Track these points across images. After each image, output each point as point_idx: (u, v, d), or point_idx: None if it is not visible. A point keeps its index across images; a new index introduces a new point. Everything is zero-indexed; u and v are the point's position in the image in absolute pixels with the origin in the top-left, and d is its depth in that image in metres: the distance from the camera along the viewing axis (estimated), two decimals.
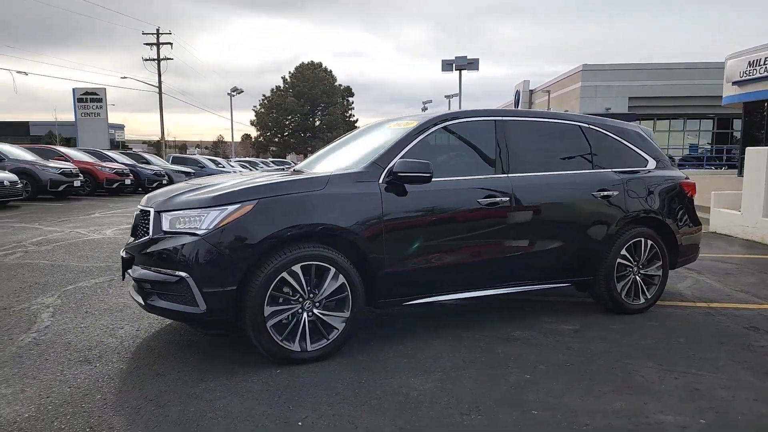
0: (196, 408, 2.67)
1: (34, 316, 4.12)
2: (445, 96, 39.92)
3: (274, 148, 58.88)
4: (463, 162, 3.97)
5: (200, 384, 2.95)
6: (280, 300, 3.15)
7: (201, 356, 3.37)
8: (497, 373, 3.17)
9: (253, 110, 58.31)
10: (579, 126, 4.35)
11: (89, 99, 30.30)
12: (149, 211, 3.33)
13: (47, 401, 2.72)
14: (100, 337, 3.68)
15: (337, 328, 3.30)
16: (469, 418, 2.63)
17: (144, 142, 70.59)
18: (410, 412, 2.68)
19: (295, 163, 6.27)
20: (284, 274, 3.12)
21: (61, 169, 13.84)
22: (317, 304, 3.25)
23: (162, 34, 32.30)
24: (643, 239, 4.34)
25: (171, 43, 32.37)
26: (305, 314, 3.22)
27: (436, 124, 3.80)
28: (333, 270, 3.25)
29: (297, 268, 3.15)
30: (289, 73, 56.98)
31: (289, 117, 54.31)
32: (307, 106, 55.02)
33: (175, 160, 23.36)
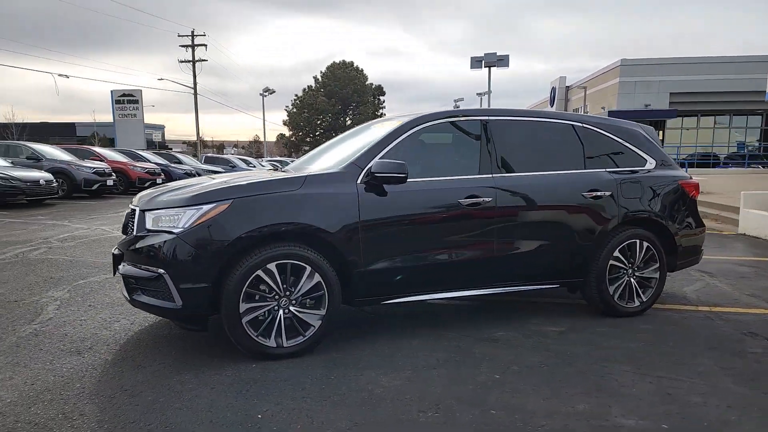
0: (166, 398, 2.80)
1: (41, 309, 4.36)
2: (477, 94, 39.52)
3: (306, 148, 59.71)
4: (448, 162, 3.98)
5: (176, 376, 3.08)
6: (256, 297, 3.25)
7: (184, 350, 3.51)
8: (467, 373, 3.18)
9: (286, 110, 59.27)
10: (572, 125, 4.29)
11: (126, 100, 31.51)
12: (136, 210, 3.49)
13: (30, 388, 2.90)
14: (96, 329, 3.87)
15: (313, 326, 3.38)
16: (426, 416, 2.66)
17: (184, 142, 72.59)
18: (369, 408, 2.73)
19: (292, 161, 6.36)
20: (259, 272, 3.22)
21: (95, 168, 14.45)
22: (293, 301, 3.34)
23: (197, 36, 33.31)
24: (638, 241, 4.25)
25: (205, 45, 33.31)
26: (281, 311, 3.31)
27: (418, 125, 3.83)
28: (309, 269, 3.32)
29: (272, 266, 3.24)
30: (321, 72, 57.72)
31: (321, 116, 54.94)
32: (339, 106, 55.49)
33: (207, 160, 23.99)
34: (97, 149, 18.12)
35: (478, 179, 3.82)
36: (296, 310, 3.35)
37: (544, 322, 4.15)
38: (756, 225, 9.14)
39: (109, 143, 34.14)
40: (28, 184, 11.83)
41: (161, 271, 3.15)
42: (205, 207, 3.18)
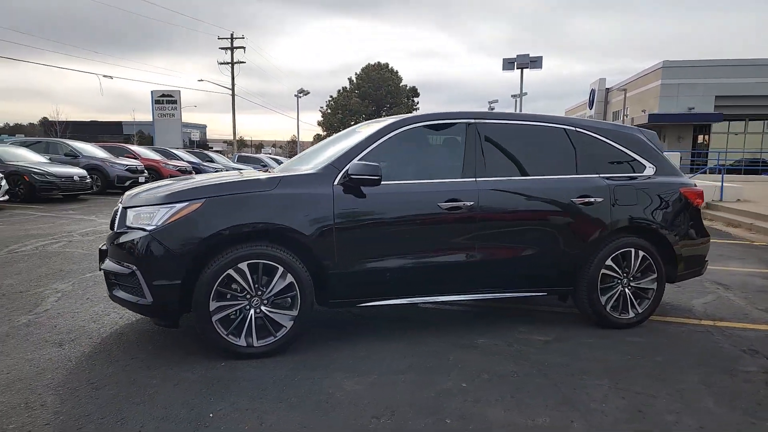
0: (127, 393, 2.85)
1: (41, 300, 4.53)
2: (512, 96, 38.91)
3: None
4: (430, 165, 3.92)
5: (145, 371, 3.14)
6: (227, 296, 3.28)
7: (162, 346, 3.57)
8: (434, 380, 3.12)
9: (320, 111, 59.91)
10: (564, 129, 4.16)
11: (165, 101, 32.56)
12: (119, 207, 3.58)
13: (5, 377, 3.01)
14: (85, 322, 3.99)
15: (284, 326, 3.39)
16: (378, 422, 2.62)
17: (224, 142, 74.38)
18: (323, 412, 2.71)
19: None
20: (230, 271, 3.25)
21: (128, 165, 14.95)
22: (265, 301, 3.35)
23: (236, 38, 34.08)
24: (633, 249, 4.08)
25: (244, 47, 34.03)
26: (252, 311, 3.33)
27: (400, 128, 3.78)
28: (281, 269, 3.33)
29: (243, 265, 3.27)
30: (356, 74, 58.00)
31: (354, 118, 55.23)
32: (372, 107, 55.69)
33: (240, 159, 24.46)
34: (132, 147, 18.77)
35: (460, 183, 3.75)
36: (268, 310, 3.36)
37: (531, 331, 4.04)
38: None
39: (150, 141, 35.33)
40: (63, 179, 12.34)
41: (134, 267, 3.22)
42: (178, 205, 3.24)
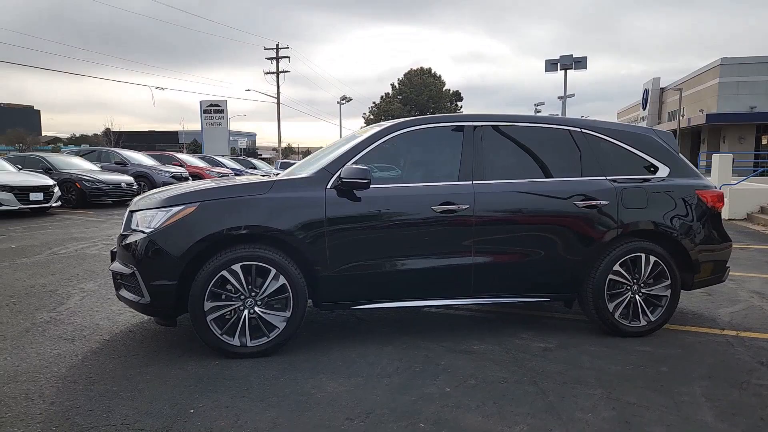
0: (119, 388, 2.99)
1: (66, 298, 4.80)
2: (558, 97, 37.99)
3: None
4: (427, 168, 3.91)
5: (142, 368, 3.28)
6: (222, 296, 3.38)
7: (166, 344, 3.71)
8: (418, 384, 3.10)
9: (363, 117, 60.48)
10: (568, 130, 4.04)
11: (213, 110, 33.85)
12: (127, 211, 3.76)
13: (14, 369, 3.21)
14: (100, 320, 4.21)
15: (277, 327, 3.45)
16: (351, 423, 2.63)
17: (273, 149, 76.34)
18: (299, 412, 2.75)
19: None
20: (224, 273, 3.35)
21: (173, 173, 15.60)
22: (258, 302, 3.43)
23: (281, 48, 35.01)
24: (643, 255, 3.91)
25: (288, 57, 34.92)
26: (246, 311, 3.42)
27: (395, 131, 3.79)
28: (273, 271, 3.40)
29: (237, 267, 3.36)
30: (398, 80, 58.20)
31: None
32: (415, 112, 55.77)
33: (283, 165, 25.01)
34: (179, 155, 19.58)
35: (455, 186, 3.71)
36: (261, 311, 3.44)
37: (533, 337, 3.94)
38: None
39: (200, 150, 36.72)
40: (111, 186, 13.02)
41: (134, 267, 3.38)
42: (174, 209, 3.37)
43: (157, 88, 31.89)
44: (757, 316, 4.58)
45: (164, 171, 15.58)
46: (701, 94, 38.09)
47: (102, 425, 2.57)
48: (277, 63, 35.05)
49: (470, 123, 3.89)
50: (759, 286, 5.64)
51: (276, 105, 35.73)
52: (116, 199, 13.42)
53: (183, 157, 19.04)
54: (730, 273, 4.35)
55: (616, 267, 3.89)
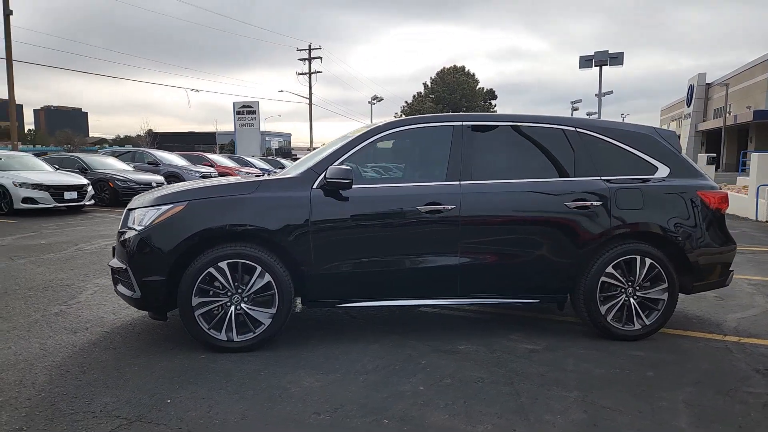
0: (107, 378, 3.13)
1: (79, 293, 5.03)
2: (596, 95, 37.12)
3: None
4: (414, 168, 3.93)
5: (132, 359, 3.43)
6: (210, 292, 3.49)
7: (157, 337, 3.85)
8: (393, 381, 3.13)
9: (395, 117, 60.62)
10: (562, 130, 3.98)
11: (245, 111, 34.59)
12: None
13: (15, 357, 3.41)
14: (105, 313, 4.40)
15: (263, 323, 3.54)
16: (317, 418, 2.69)
17: (308, 149, 77.30)
18: (270, 405, 2.82)
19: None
20: (211, 270, 3.46)
21: (203, 172, 16.04)
22: (245, 299, 3.53)
23: (313, 49, 35.54)
24: (638, 257, 3.82)
25: (321, 58, 35.44)
26: (233, 307, 3.52)
27: (383, 131, 3.83)
28: (259, 268, 3.49)
29: (223, 264, 3.47)
30: (430, 78, 57.97)
31: None
32: (447, 111, 55.53)
33: None
34: (210, 155, 20.11)
35: (442, 186, 3.72)
36: (248, 308, 3.53)
37: (523, 338, 3.91)
38: None
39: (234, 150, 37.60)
40: (142, 185, 13.47)
41: (126, 263, 3.53)
42: (164, 207, 3.50)
43: (192, 90, 32.91)
44: (767, 323, 4.41)
45: (194, 171, 16.04)
46: (749, 89, 36.57)
47: (82, 412, 2.71)
48: (310, 64, 35.60)
49: (459, 123, 3.89)
50: None
51: (313, 105, 36.31)
52: None
53: (213, 157, 19.56)
54: (745, 277, 4.20)
55: (609, 269, 3.82)
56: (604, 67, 24.77)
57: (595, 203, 3.79)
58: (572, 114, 46.12)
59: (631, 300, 3.87)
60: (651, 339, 3.92)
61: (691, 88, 49.04)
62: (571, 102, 41.78)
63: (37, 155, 14.60)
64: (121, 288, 3.70)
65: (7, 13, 19.57)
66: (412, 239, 3.69)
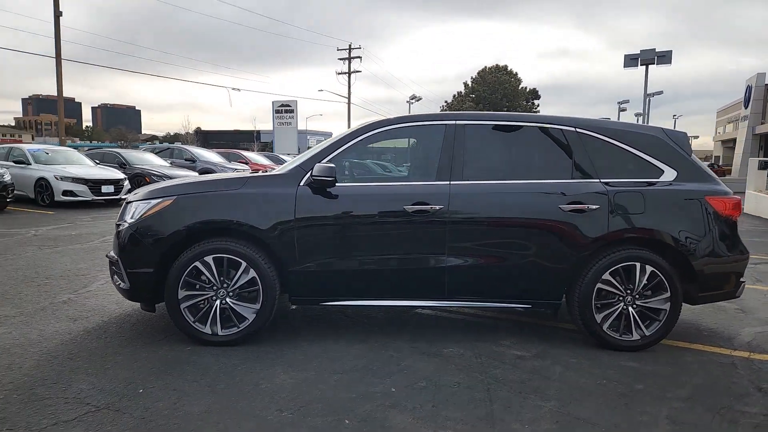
0: (89, 366, 3.22)
1: (91, 283, 5.22)
2: (646, 95, 35.81)
3: None
4: (405, 167, 3.87)
5: (120, 348, 3.52)
6: (196, 286, 3.55)
7: (149, 328, 3.94)
8: (366, 381, 3.10)
9: None
10: (561, 130, 3.84)
11: (284, 110, 35.14)
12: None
13: (12, 342, 3.56)
14: (108, 303, 4.54)
15: (247, 318, 3.58)
16: (279, 415, 2.69)
17: None
18: (236, 400, 2.84)
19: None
20: (197, 264, 3.52)
21: (236, 169, 16.39)
22: (230, 293, 3.57)
23: (353, 48, 35.78)
24: (638, 264, 3.64)
25: (360, 57, 35.61)
26: (218, 301, 3.57)
27: (373, 130, 3.79)
28: (244, 264, 3.53)
29: (209, 258, 3.52)
30: (471, 78, 57.23)
31: None
32: (488, 111, 54.78)
33: None
34: (245, 153, 20.54)
35: (430, 185, 3.66)
36: (232, 302, 3.57)
37: (514, 345, 3.80)
38: None
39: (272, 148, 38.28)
40: None
41: (117, 255, 3.63)
42: (153, 201, 3.59)
43: (233, 89, 33.60)
44: None
45: (228, 167, 16.43)
46: None
47: (57, 397, 2.80)
48: (349, 63, 35.88)
49: (452, 122, 3.81)
50: None
51: (354, 105, 36.60)
52: None
53: (248, 155, 19.97)
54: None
55: (606, 276, 3.65)
56: (652, 66, 23.90)
57: (591, 206, 3.64)
58: (618, 116, 44.61)
59: (630, 309, 3.69)
60: (651, 350, 3.73)
61: (749, 88, 46.62)
62: (618, 102, 40.42)
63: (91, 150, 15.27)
64: (115, 279, 3.82)
65: (58, 14, 20.57)
66: (399, 239, 3.64)
